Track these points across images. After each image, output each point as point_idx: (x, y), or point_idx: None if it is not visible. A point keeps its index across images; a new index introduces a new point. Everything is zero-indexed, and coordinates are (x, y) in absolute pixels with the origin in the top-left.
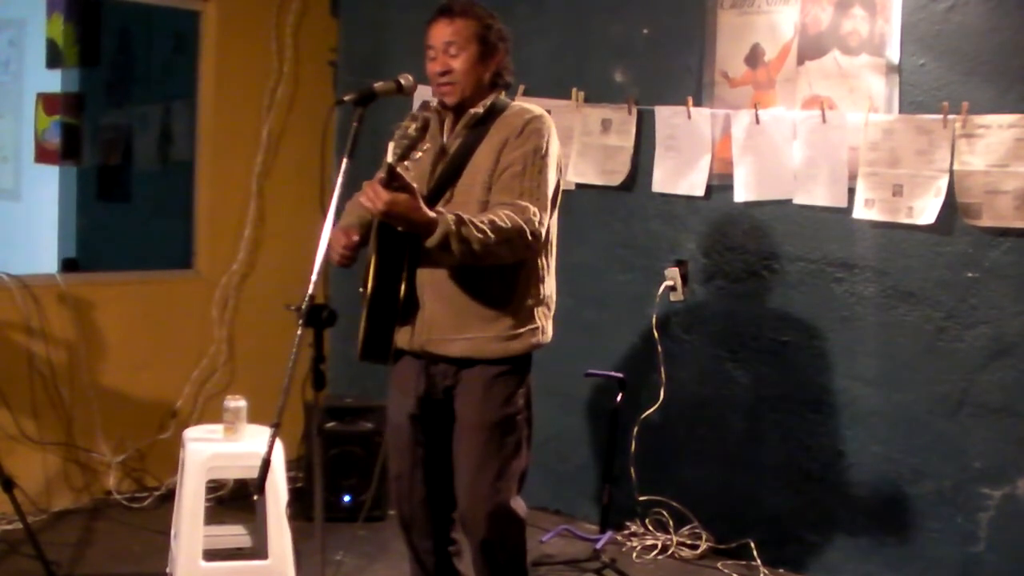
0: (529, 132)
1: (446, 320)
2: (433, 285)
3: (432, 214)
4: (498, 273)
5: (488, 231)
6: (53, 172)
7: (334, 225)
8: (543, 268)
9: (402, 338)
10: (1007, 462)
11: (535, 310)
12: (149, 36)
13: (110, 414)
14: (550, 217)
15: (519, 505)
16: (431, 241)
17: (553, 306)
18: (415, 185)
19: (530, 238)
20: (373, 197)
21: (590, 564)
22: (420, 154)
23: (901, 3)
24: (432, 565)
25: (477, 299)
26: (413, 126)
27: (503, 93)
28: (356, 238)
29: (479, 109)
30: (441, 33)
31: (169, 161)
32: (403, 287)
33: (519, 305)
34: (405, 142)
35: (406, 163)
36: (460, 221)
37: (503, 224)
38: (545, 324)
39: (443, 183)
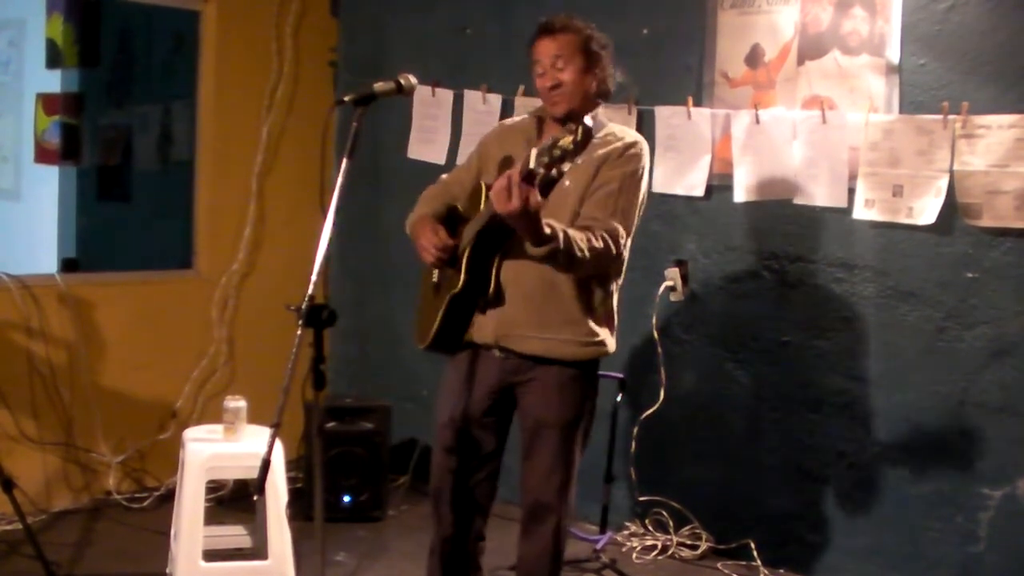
0: (630, 155)
1: (526, 318)
2: (516, 283)
3: (548, 229)
4: (577, 283)
5: (586, 250)
6: (53, 172)
7: (333, 225)
8: (614, 284)
9: (475, 331)
10: (1007, 462)
11: (603, 321)
12: (149, 36)
13: (110, 414)
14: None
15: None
16: (538, 251)
17: (616, 320)
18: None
19: (616, 259)
20: (516, 193)
21: (590, 564)
22: (568, 166)
23: (901, 3)
24: (455, 554)
25: (556, 303)
26: (569, 139)
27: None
28: (451, 242)
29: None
30: (547, 49)
31: (169, 161)
32: (493, 283)
33: (591, 315)
34: (557, 152)
35: (551, 173)
36: (568, 239)
37: (598, 245)
38: (610, 336)
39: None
